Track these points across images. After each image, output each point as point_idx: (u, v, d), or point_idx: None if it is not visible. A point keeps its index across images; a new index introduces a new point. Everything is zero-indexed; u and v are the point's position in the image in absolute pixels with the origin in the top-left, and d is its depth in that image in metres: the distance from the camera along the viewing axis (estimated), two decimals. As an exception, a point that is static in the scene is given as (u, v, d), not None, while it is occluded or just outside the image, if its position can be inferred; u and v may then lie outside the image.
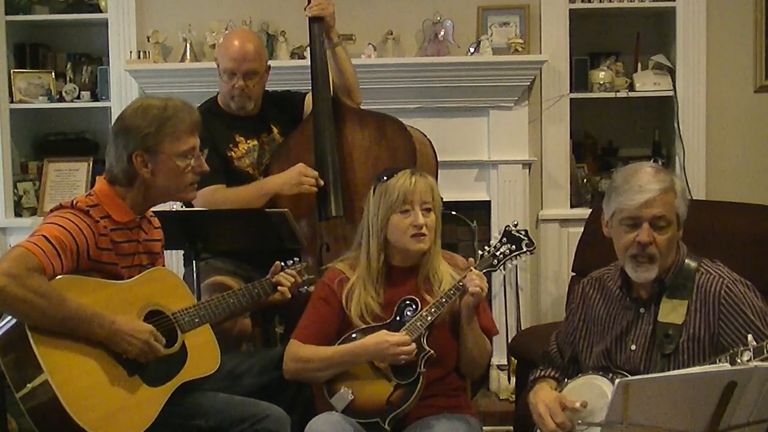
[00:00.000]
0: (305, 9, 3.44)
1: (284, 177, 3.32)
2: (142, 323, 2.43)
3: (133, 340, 2.37)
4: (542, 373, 2.62)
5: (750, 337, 2.11)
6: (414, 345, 2.55)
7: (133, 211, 2.53)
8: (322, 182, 3.31)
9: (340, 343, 2.64)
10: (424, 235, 2.63)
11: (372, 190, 2.71)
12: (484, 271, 2.67)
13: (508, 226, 2.75)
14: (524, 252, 2.72)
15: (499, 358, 4.27)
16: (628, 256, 2.39)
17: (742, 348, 2.10)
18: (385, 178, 2.69)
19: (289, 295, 2.81)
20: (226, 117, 3.47)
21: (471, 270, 2.63)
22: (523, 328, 4.30)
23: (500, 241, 2.72)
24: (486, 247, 2.73)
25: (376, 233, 2.67)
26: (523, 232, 2.72)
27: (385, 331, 2.58)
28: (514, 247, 2.70)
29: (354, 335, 2.64)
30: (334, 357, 2.61)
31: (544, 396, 2.41)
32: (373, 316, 2.64)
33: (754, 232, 3.58)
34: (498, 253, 2.70)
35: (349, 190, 3.36)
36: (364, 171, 3.34)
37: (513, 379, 4.12)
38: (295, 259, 2.93)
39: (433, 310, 2.60)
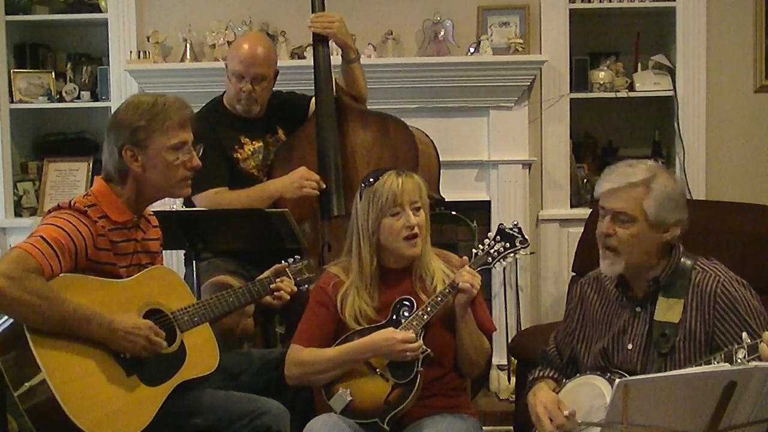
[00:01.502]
0: (309, 22, 3.44)
1: (286, 180, 3.32)
2: (141, 319, 2.42)
3: (133, 337, 2.37)
4: (541, 373, 2.62)
5: (744, 334, 2.10)
6: (420, 342, 2.55)
7: (129, 210, 2.53)
8: (323, 185, 3.31)
9: (338, 345, 2.64)
10: (416, 236, 2.62)
11: (358, 194, 2.69)
12: (479, 269, 2.67)
13: (502, 224, 2.76)
14: (518, 249, 2.73)
15: (499, 358, 4.28)
16: (600, 247, 2.41)
17: (736, 346, 2.08)
18: (371, 180, 2.67)
19: (288, 298, 2.81)
20: (231, 118, 3.47)
21: (463, 267, 2.62)
22: (523, 328, 4.30)
23: (494, 239, 2.73)
24: (480, 246, 2.74)
25: (367, 237, 2.65)
26: (516, 230, 2.73)
27: (391, 328, 2.58)
28: (507, 244, 2.71)
29: (353, 337, 2.63)
30: (337, 357, 2.61)
31: (542, 397, 2.40)
32: (368, 320, 2.64)
33: (754, 232, 3.58)
34: (492, 251, 2.71)
35: (351, 190, 3.36)
36: (367, 170, 3.33)
37: (513, 379, 4.12)
38: (296, 257, 2.92)
39: (428, 309, 2.59)
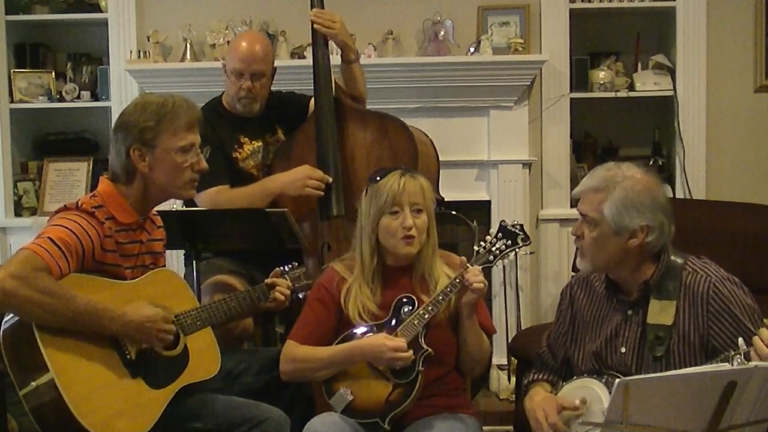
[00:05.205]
0: (311, 16, 3.43)
1: (289, 177, 3.32)
2: (151, 307, 2.42)
3: (145, 329, 2.37)
4: (535, 376, 2.61)
5: (741, 340, 2.07)
6: (411, 352, 2.54)
7: (136, 212, 2.53)
8: (330, 179, 3.31)
9: (340, 342, 2.64)
10: (413, 237, 2.62)
11: (365, 191, 2.70)
12: (481, 267, 2.66)
13: (504, 221, 2.73)
14: (520, 246, 2.70)
15: (499, 358, 4.28)
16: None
17: (733, 353, 2.05)
18: (377, 178, 2.67)
19: (282, 298, 2.82)
20: (231, 118, 3.47)
21: (469, 267, 2.61)
22: (523, 328, 4.30)
23: (495, 236, 2.70)
24: (482, 243, 2.71)
25: (368, 235, 2.66)
26: (518, 227, 2.70)
27: (384, 334, 2.58)
28: (509, 242, 2.68)
29: (354, 334, 2.63)
30: (330, 357, 2.61)
31: (540, 400, 2.40)
32: (371, 316, 2.64)
33: (754, 232, 3.59)
34: (494, 249, 2.68)
35: (351, 190, 3.36)
36: (366, 170, 3.34)
37: (513, 379, 4.13)
38: (294, 263, 2.93)
39: (430, 308, 2.58)
